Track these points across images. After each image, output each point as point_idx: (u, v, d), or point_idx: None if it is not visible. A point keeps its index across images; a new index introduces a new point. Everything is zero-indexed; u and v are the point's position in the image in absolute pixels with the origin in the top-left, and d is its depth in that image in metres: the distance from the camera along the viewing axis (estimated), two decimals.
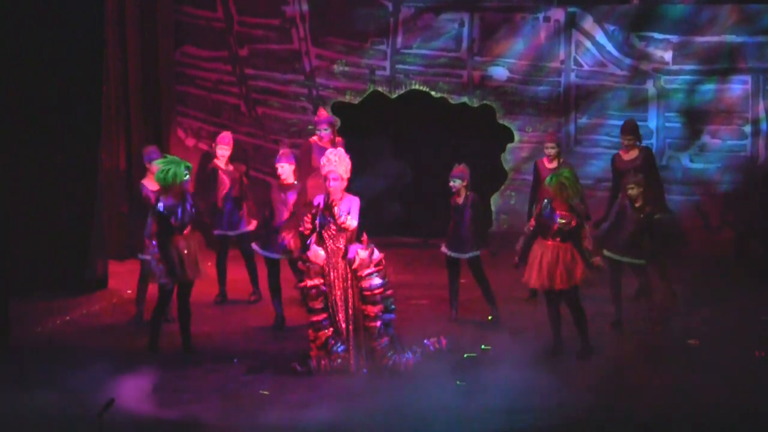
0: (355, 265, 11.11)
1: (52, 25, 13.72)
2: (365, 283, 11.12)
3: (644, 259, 12.29)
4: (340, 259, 11.12)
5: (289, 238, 12.10)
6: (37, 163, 13.71)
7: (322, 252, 11.10)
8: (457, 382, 10.75)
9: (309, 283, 11.09)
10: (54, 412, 10.02)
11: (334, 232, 11.09)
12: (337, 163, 11.08)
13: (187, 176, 11.58)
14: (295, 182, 12.55)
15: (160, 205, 11.50)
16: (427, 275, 14.52)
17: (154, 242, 11.58)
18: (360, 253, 11.11)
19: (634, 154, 13.40)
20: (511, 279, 13.17)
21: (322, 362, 11.06)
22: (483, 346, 11.74)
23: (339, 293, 11.12)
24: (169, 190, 11.50)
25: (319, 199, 11.19)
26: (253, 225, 13.33)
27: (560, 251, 11.40)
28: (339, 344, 11.10)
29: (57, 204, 13.90)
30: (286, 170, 12.51)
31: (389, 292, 11.20)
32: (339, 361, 11.07)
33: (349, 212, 11.04)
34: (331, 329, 11.11)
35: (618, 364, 11.29)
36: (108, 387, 10.29)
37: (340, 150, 11.23)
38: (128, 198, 15.43)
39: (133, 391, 10.33)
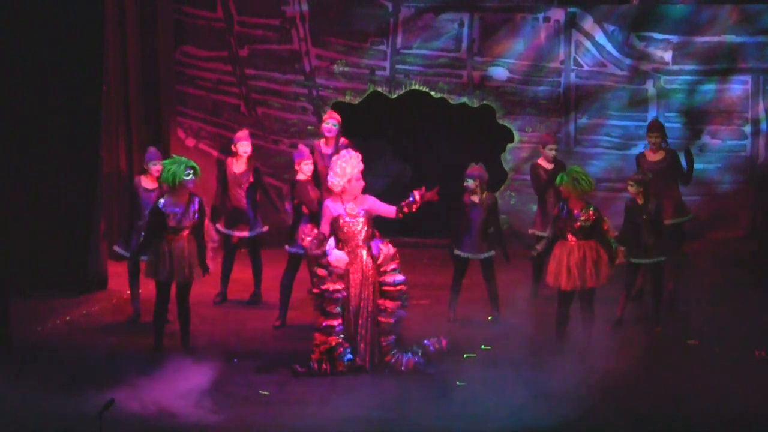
0: (380, 260, 11.14)
1: (52, 25, 13.72)
2: (389, 278, 11.17)
3: (661, 257, 12.27)
4: (360, 259, 11.12)
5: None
6: (37, 163, 13.71)
7: (344, 255, 11.11)
8: (458, 383, 10.75)
9: (331, 287, 11.08)
10: (54, 411, 10.02)
11: (357, 232, 11.11)
12: (357, 164, 11.16)
13: (189, 176, 11.55)
14: (312, 179, 12.64)
15: (161, 202, 11.54)
16: (427, 275, 14.50)
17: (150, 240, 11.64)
18: (382, 248, 11.16)
19: (660, 155, 13.31)
20: (510, 279, 13.19)
21: (323, 366, 11.05)
22: (483, 346, 11.75)
23: (357, 292, 11.11)
24: (170, 190, 11.54)
25: (332, 203, 11.17)
26: (266, 227, 13.38)
27: (586, 249, 11.38)
28: (347, 352, 11.09)
29: (57, 204, 13.89)
30: (308, 168, 12.57)
31: (405, 288, 11.25)
32: (342, 369, 11.05)
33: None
34: (342, 337, 11.09)
35: (618, 364, 11.29)
36: (107, 387, 10.31)
37: (351, 151, 11.28)
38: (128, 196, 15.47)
39: (132, 392, 10.33)
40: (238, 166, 13.38)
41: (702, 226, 15.60)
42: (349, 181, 11.13)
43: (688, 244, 14.20)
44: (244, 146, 13.36)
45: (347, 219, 11.14)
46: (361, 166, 11.19)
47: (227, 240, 13.60)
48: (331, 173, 11.21)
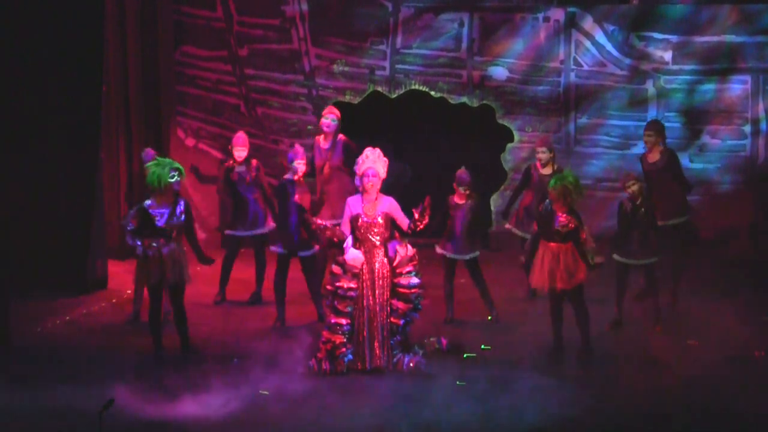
0: (396, 262, 11.13)
1: (52, 25, 13.72)
2: (404, 280, 11.15)
3: (655, 257, 12.27)
4: (376, 260, 11.12)
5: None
6: (37, 163, 13.71)
7: (360, 255, 11.11)
8: (457, 383, 10.76)
9: (345, 285, 11.09)
10: (54, 412, 10.02)
11: (374, 233, 11.11)
12: (375, 160, 11.10)
13: (175, 178, 11.54)
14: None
15: (147, 203, 11.53)
16: (426, 275, 14.49)
17: (137, 240, 11.61)
18: (399, 250, 11.15)
19: (656, 156, 13.32)
20: (510, 279, 13.19)
21: (323, 365, 11.05)
22: (483, 346, 11.75)
23: (370, 292, 11.10)
24: (156, 193, 11.51)
25: (353, 201, 11.17)
26: (271, 225, 13.40)
27: (561, 252, 11.41)
28: (348, 353, 11.09)
29: (57, 204, 13.90)
30: (300, 168, 12.56)
31: (420, 291, 11.24)
32: (342, 370, 11.04)
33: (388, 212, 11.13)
34: (346, 337, 11.09)
35: (618, 364, 11.30)
36: (107, 387, 10.31)
37: (378, 149, 11.22)
38: (127, 199, 15.47)
39: (132, 391, 10.34)
40: (239, 166, 13.41)
41: (701, 226, 15.60)
42: (382, 180, 11.15)
43: (688, 243, 14.24)
44: (238, 151, 13.39)
45: (365, 219, 11.14)
46: (371, 165, 11.09)
47: (230, 241, 13.61)
48: (368, 176, 11.11)
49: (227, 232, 13.51)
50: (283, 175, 12.75)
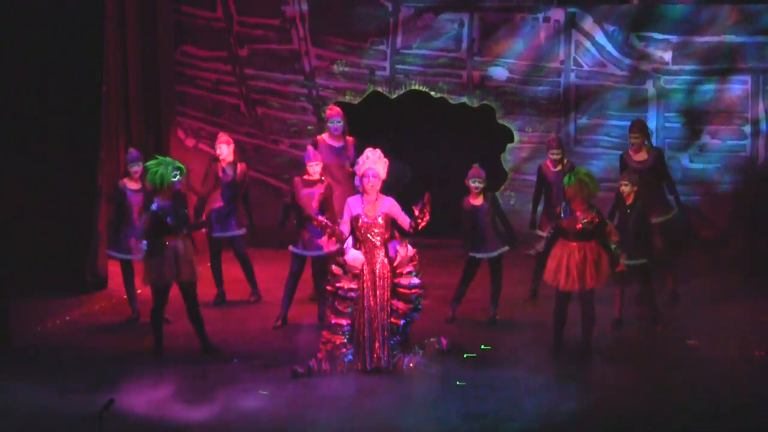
0: (396, 262, 11.13)
1: (52, 25, 13.73)
2: (404, 281, 11.15)
3: (643, 258, 12.27)
4: (377, 260, 11.11)
5: (325, 240, 12.11)
6: (37, 163, 13.71)
7: (360, 255, 11.10)
8: (457, 383, 10.76)
9: (346, 285, 11.09)
10: (54, 412, 10.03)
11: (374, 233, 11.10)
12: (375, 161, 11.11)
13: (177, 177, 11.57)
14: (322, 178, 12.62)
15: (154, 206, 11.54)
16: (427, 275, 14.49)
17: (144, 242, 11.63)
18: (400, 250, 11.15)
19: (644, 155, 13.35)
20: (511, 279, 13.18)
21: (323, 365, 11.06)
22: (483, 346, 11.76)
23: (371, 293, 11.10)
24: (160, 192, 11.54)
25: (354, 201, 11.17)
26: (243, 229, 13.43)
27: (587, 250, 11.39)
28: (348, 353, 11.09)
29: (57, 204, 13.90)
30: (316, 168, 12.56)
31: (421, 291, 11.23)
32: (342, 370, 11.04)
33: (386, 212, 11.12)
34: (347, 338, 11.08)
35: (618, 364, 11.30)
36: (107, 387, 10.31)
37: (378, 150, 11.22)
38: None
39: (132, 392, 10.34)
40: (227, 165, 13.44)
41: (701, 226, 15.60)
42: (382, 181, 11.16)
43: (684, 243, 14.24)
44: (219, 149, 13.45)
45: (365, 219, 11.14)
46: (371, 166, 11.10)
47: (212, 241, 13.62)
48: (369, 176, 11.10)
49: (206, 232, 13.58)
50: (300, 176, 12.77)
